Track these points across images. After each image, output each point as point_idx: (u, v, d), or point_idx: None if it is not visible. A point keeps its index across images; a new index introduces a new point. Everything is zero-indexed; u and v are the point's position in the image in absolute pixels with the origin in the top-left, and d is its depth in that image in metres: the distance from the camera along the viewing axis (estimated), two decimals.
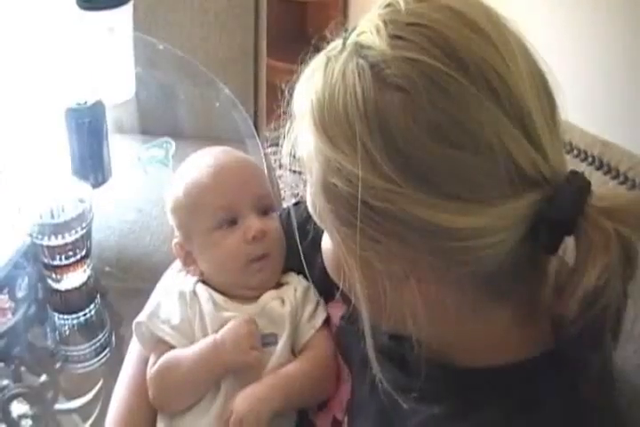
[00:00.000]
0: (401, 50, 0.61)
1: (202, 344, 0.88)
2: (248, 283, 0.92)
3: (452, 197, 0.60)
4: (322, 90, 0.63)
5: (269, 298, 0.92)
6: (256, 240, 0.91)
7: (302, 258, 0.84)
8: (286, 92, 0.69)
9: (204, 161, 0.95)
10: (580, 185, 0.61)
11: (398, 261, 0.63)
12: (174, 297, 0.92)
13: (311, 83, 0.65)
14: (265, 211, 0.94)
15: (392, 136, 0.60)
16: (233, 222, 0.92)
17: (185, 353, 0.89)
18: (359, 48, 0.63)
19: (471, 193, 0.60)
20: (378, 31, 0.62)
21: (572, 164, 0.91)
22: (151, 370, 0.90)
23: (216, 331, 0.89)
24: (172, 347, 0.90)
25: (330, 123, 0.62)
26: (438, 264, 0.62)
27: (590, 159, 0.92)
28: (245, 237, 0.90)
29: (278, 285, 0.94)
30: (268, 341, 0.90)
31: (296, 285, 0.94)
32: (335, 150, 0.62)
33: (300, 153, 0.67)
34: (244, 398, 0.85)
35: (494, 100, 0.60)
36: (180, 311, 0.91)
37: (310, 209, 0.69)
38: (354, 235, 0.63)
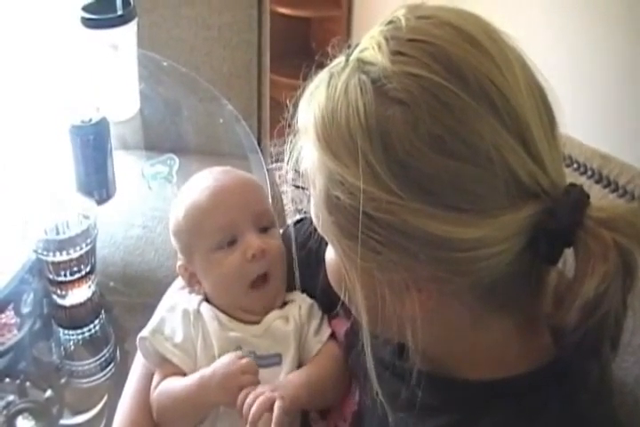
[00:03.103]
0: (402, 65, 0.62)
1: (190, 379, 0.88)
2: (251, 308, 0.92)
3: (452, 208, 0.61)
4: (325, 105, 0.65)
5: (273, 318, 0.92)
6: (256, 259, 0.91)
7: (309, 272, 0.85)
8: (290, 107, 0.70)
9: (202, 183, 0.96)
10: (578, 197, 0.62)
11: (399, 272, 0.64)
12: (178, 315, 0.93)
13: (314, 98, 0.66)
14: (265, 228, 0.94)
15: (393, 149, 0.61)
16: (233, 242, 0.92)
17: (178, 384, 0.89)
18: (361, 64, 0.64)
19: (471, 204, 0.61)
20: (379, 47, 0.64)
21: (572, 177, 0.91)
22: (152, 393, 0.91)
23: (222, 350, 0.89)
24: (174, 365, 0.91)
25: (333, 137, 0.63)
26: (439, 275, 0.63)
27: (590, 172, 0.93)
28: (245, 256, 0.90)
29: (282, 304, 0.94)
30: (273, 362, 0.90)
31: (300, 302, 0.94)
32: (338, 163, 0.63)
33: (304, 166, 0.68)
34: (276, 385, 0.84)
35: (493, 113, 0.61)
36: (184, 330, 0.91)
37: (314, 221, 0.70)
38: (355, 246, 0.63)
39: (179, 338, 0.91)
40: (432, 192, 0.61)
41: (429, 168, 0.60)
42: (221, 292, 0.93)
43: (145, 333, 0.93)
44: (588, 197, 0.63)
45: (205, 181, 0.96)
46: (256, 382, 0.84)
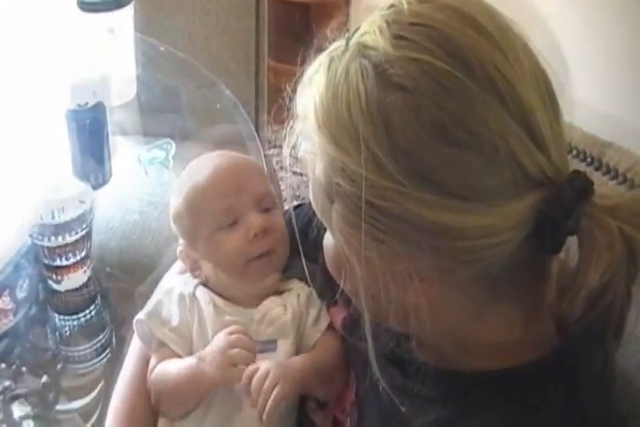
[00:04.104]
0: (404, 50, 0.61)
1: (185, 360, 0.87)
2: (252, 282, 0.91)
3: (455, 196, 0.60)
4: (325, 90, 0.63)
5: (271, 304, 0.91)
6: (258, 238, 0.90)
7: (304, 262, 0.84)
8: (289, 91, 0.69)
9: (201, 167, 0.95)
10: (582, 184, 0.62)
11: (402, 261, 0.63)
12: (175, 298, 0.92)
13: (314, 83, 0.65)
14: (267, 209, 0.93)
15: (395, 136, 0.60)
16: (234, 223, 0.91)
17: (173, 367, 0.88)
18: (362, 48, 0.63)
19: (474, 193, 0.60)
20: (381, 31, 0.62)
21: (572, 164, 0.90)
22: (149, 377, 0.91)
23: (215, 334, 0.88)
24: (171, 349, 0.90)
25: (333, 123, 0.62)
26: (442, 264, 0.62)
27: (589, 160, 0.92)
28: (247, 235, 0.89)
29: (280, 292, 0.94)
30: (268, 348, 0.89)
31: (299, 291, 0.93)
32: (339, 150, 0.62)
33: (303, 153, 0.67)
34: (278, 363, 0.84)
35: (498, 99, 0.60)
36: (180, 314, 0.91)
37: (314, 207, 0.69)
38: (357, 235, 0.63)
39: (175, 322, 0.91)
40: (435, 180, 0.60)
41: (432, 156, 0.59)
42: (223, 272, 0.92)
43: (141, 315, 0.93)
44: (592, 184, 0.62)
45: (205, 163, 0.95)
46: (249, 358, 0.84)
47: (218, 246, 0.91)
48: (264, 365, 0.83)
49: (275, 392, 0.81)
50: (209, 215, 0.91)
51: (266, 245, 0.91)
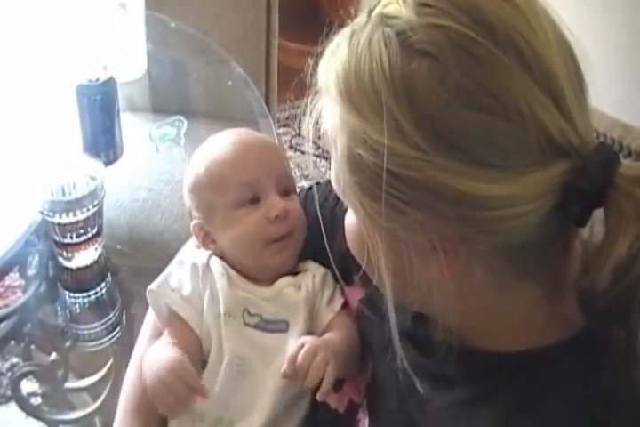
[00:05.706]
0: (428, 17, 0.60)
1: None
2: (267, 263, 0.91)
3: (480, 164, 0.59)
4: (347, 60, 0.63)
5: (285, 284, 0.91)
6: (279, 220, 0.90)
7: (324, 238, 0.83)
8: (309, 68, 0.68)
9: (225, 139, 0.95)
10: (608, 155, 0.61)
11: (425, 233, 0.62)
12: (187, 269, 0.92)
13: (336, 55, 0.64)
14: (286, 192, 0.93)
15: (419, 102, 0.59)
16: (255, 201, 0.91)
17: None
18: (385, 18, 0.62)
19: (500, 160, 0.59)
20: (404, 1, 0.62)
21: None
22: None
23: (227, 308, 0.88)
24: (182, 320, 0.89)
25: (356, 92, 0.62)
26: (466, 235, 0.61)
27: (610, 142, 0.91)
28: (268, 215, 0.89)
29: (296, 272, 0.93)
30: (279, 328, 0.89)
31: (314, 272, 0.93)
32: (361, 120, 0.61)
33: (325, 127, 0.66)
34: (323, 341, 0.85)
35: (523, 66, 0.59)
36: (192, 283, 0.90)
37: (334, 185, 0.68)
38: (379, 207, 0.62)
39: (186, 291, 0.90)
40: (459, 147, 0.59)
41: (457, 122, 0.59)
42: (238, 249, 0.92)
43: (153, 286, 0.92)
44: (617, 155, 0.61)
45: (227, 137, 0.95)
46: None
47: (237, 223, 0.91)
48: (310, 341, 0.83)
49: (329, 371, 0.82)
50: (231, 187, 0.91)
51: (284, 227, 0.90)
